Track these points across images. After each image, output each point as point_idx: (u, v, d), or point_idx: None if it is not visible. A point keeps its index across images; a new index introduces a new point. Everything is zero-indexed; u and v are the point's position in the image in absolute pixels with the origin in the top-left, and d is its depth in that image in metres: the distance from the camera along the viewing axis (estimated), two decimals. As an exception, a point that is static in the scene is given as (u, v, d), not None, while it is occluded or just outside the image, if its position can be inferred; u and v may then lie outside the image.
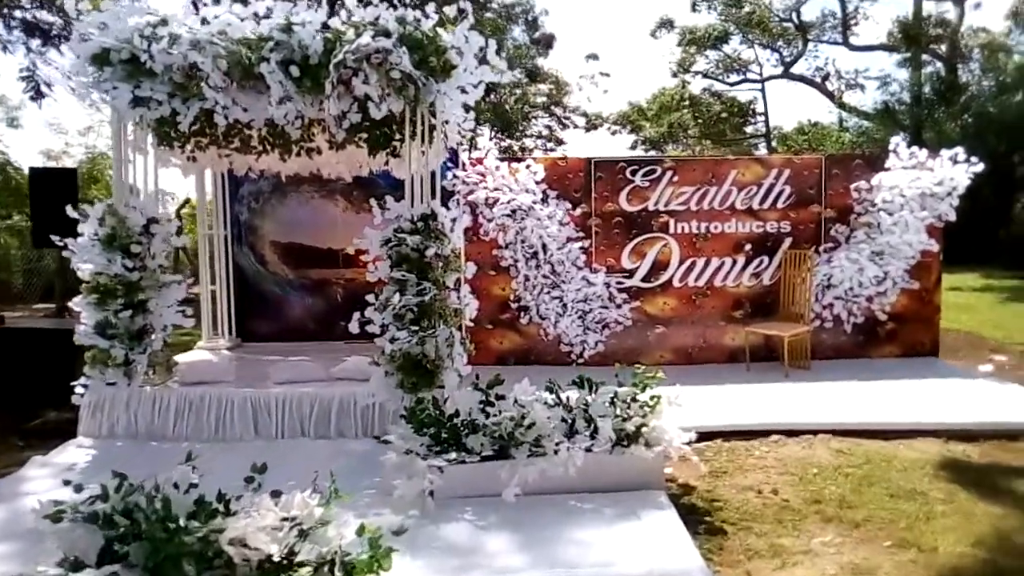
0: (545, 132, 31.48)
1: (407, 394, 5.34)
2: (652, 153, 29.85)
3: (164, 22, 5.18)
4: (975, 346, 9.13)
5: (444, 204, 5.91)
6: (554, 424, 4.35)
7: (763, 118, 32.57)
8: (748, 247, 8.07)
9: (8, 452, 5.39)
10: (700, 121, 31.98)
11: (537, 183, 7.81)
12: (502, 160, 7.94)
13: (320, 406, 5.52)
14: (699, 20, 30.23)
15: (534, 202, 7.73)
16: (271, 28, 5.17)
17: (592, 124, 32.34)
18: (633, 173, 7.99)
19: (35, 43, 9.63)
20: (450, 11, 5.21)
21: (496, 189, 7.72)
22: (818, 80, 29.39)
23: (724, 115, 32.26)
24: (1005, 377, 7.31)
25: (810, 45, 28.94)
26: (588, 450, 4.25)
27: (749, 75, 31.47)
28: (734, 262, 8.08)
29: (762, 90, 31.72)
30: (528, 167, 7.84)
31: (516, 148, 29.75)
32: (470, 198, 7.71)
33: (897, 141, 8.17)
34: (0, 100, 20.28)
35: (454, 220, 5.66)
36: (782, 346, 7.46)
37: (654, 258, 8.03)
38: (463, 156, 7.82)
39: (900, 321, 8.08)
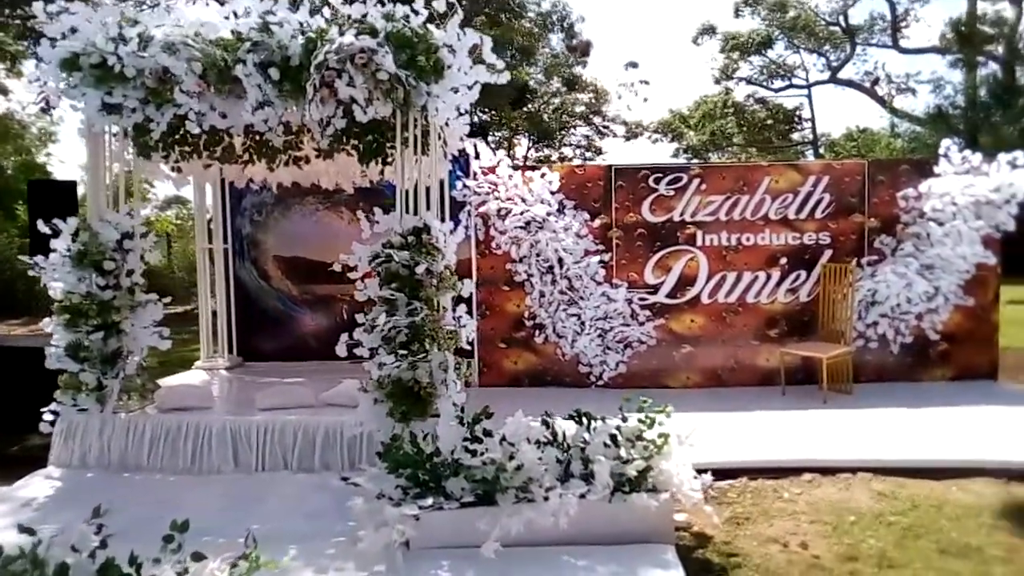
0: (583, 142, 30.87)
1: (398, 424, 4.88)
2: (695, 161, 28.99)
3: (134, 22, 4.82)
4: (1036, 367, 8.33)
5: (454, 216, 5.44)
6: (546, 466, 3.83)
7: (810, 124, 31.51)
8: (783, 260, 7.44)
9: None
10: (744, 128, 31.07)
11: (552, 193, 7.29)
12: (516, 169, 7.46)
13: (304, 436, 5.10)
14: (742, 26, 29.42)
15: (549, 213, 7.23)
16: (248, 28, 4.78)
17: (632, 133, 31.61)
18: (657, 181, 7.42)
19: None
20: (440, 5, 4.74)
21: (509, 199, 7.24)
22: (867, 85, 28.29)
23: (769, 122, 31.29)
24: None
25: (858, 49, 27.87)
26: (582, 496, 3.72)
27: (795, 80, 30.48)
28: (768, 276, 7.45)
29: (808, 96, 30.69)
30: (543, 176, 7.33)
31: (555, 158, 29.19)
32: (481, 209, 7.26)
33: (948, 145, 7.45)
34: (39, 115, 20.58)
35: (448, 233, 5.19)
36: (821, 368, 6.83)
37: (680, 272, 7.45)
38: (475, 165, 7.35)
39: (953, 341, 7.37)
